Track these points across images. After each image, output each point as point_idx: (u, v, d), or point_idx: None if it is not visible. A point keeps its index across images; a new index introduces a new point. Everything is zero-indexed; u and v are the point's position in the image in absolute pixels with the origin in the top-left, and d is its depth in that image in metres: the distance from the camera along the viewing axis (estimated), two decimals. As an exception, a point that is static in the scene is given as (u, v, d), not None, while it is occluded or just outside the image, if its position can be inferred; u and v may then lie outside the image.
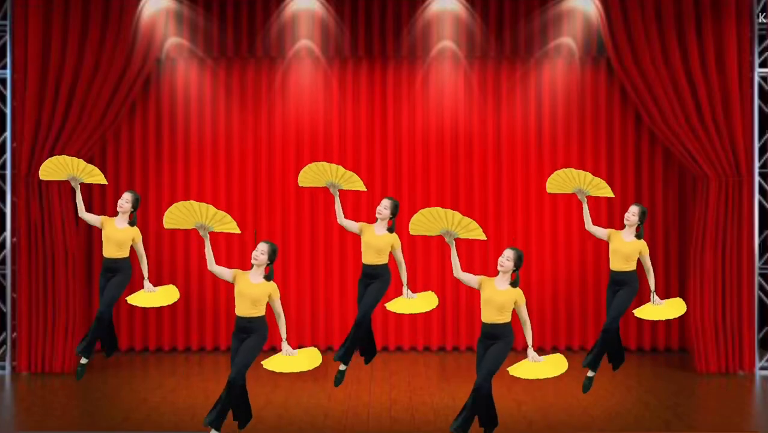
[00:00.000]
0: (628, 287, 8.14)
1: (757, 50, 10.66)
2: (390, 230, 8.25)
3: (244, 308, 7.38)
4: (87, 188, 11.54)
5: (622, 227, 8.23)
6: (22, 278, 10.55)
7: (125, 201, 8.19)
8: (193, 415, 8.81)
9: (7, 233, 10.68)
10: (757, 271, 10.69)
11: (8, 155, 10.67)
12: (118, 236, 8.15)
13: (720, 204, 10.53)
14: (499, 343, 7.34)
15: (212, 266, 7.49)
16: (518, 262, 7.24)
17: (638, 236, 8.07)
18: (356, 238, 11.48)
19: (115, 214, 8.30)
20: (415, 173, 11.65)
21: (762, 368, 10.67)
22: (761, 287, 10.82)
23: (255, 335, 7.44)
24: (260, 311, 7.44)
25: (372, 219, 8.59)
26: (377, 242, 8.22)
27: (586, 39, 11.37)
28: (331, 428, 8.41)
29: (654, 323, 11.60)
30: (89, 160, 11.27)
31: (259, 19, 11.27)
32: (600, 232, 8.18)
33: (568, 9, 11.32)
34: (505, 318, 7.33)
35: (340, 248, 11.62)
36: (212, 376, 10.53)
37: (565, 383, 10.06)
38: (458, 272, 7.41)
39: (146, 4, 10.84)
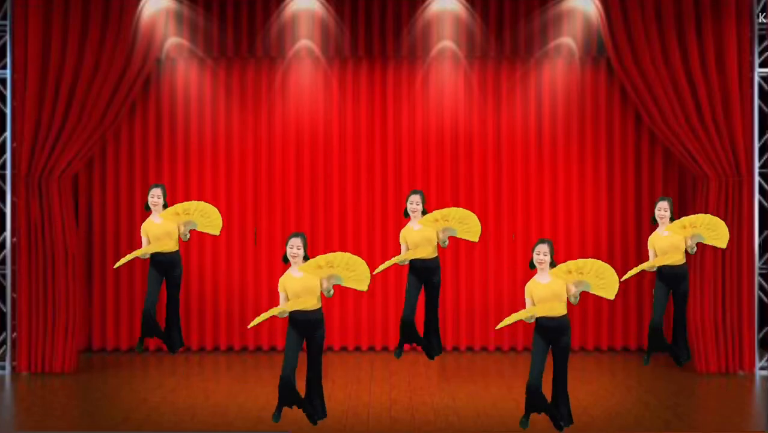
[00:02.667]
0: (686, 281, 8.27)
1: (757, 50, 10.66)
2: (424, 214, 8.32)
3: (307, 303, 7.39)
4: (87, 190, 11.53)
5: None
6: (22, 278, 10.54)
7: (157, 197, 8.26)
8: (193, 415, 8.81)
9: (7, 233, 10.68)
10: (757, 271, 10.69)
11: (8, 155, 10.67)
12: (164, 227, 8.15)
13: (720, 204, 10.53)
14: (566, 338, 7.47)
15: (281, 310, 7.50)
16: (552, 251, 7.56)
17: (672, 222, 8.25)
18: (357, 239, 11.54)
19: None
20: (415, 173, 11.64)
21: (762, 368, 10.67)
22: (761, 287, 10.82)
23: (321, 330, 7.59)
24: (320, 301, 7.50)
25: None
26: (425, 234, 8.25)
27: (586, 39, 11.37)
28: (331, 428, 8.41)
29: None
30: (89, 160, 11.30)
31: (259, 19, 11.27)
32: (651, 252, 8.24)
33: (568, 9, 11.32)
34: (565, 307, 7.45)
35: (340, 247, 11.61)
36: (212, 376, 10.52)
37: (565, 383, 10.08)
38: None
39: (146, 4, 10.83)
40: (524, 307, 7.51)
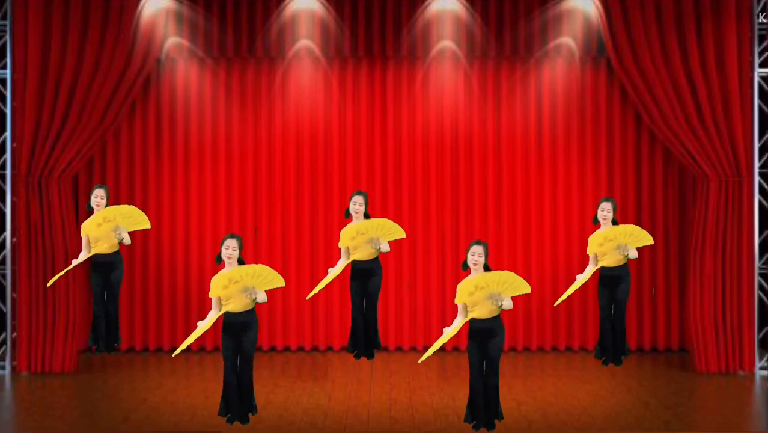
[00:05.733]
0: (625, 283, 8.29)
1: (757, 50, 10.66)
2: (366, 216, 8.37)
3: (236, 305, 7.41)
4: (87, 190, 11.53)
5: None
6: (22, 278, 10.54)
7: (100, 198, 8.34)
8: (193, 415, 8.82)
9: (7, 233, 10.68)
10: (757, 271, 10.69)
11: (8, 155, 10.67)
12: (103, 229, 8.23)
13: (720, 204, 10.53)
14: (498, 337, 7.44)
15: (211, 321, 7.51)
16: (487, 253, 7.49)
17: (614, 224, 8.34)
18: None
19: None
20: (415, 173, 11.64)
21: (762, 368, 10.67)
22: (761, 287, 10.82)
23: (252, 332, 7.48)
24: (251, 304, 7.50)
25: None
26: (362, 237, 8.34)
27: (586, 39, 11.37)
28: (331, 428, 8.42)
29: (654, 323, 11.60)
30: (89, 161, 11.31)
31: (259, 19, 11.27)
32: (591, 255, 8.35)
33: (568, 9, 11.32)
34: (497, 310, 7.41)
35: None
36: (212, 376, 10.52)
37: (565, 382, 10.10)
38: (457, 326, 7.52)
39: (146, 4, 10.83)
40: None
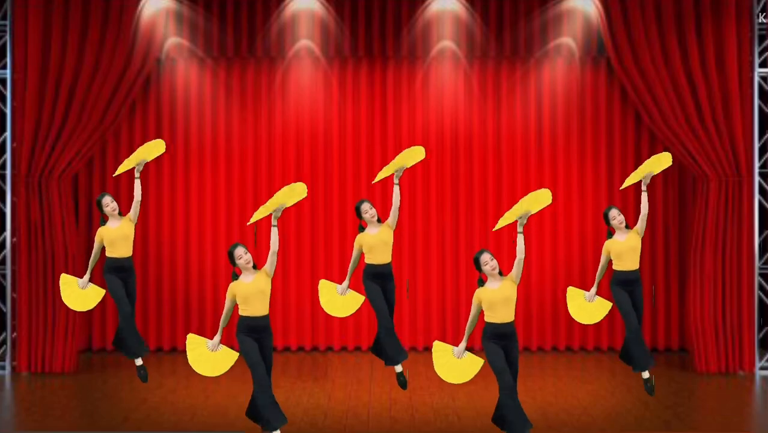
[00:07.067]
0: (640, 285, 8.34)
1: (757, 50, 10.66)
2: (378, 221, 8.43)
3: (257, 308, 7.42)
4: (87, 190, 11.52)
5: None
6: (22, 278, 10.55)
7: (111, 201, 8.33)
8: (193, 415, 8.81)
9: (7, 233, 10.68)
10: (757, 271, 10.69)
11: (8, 155, 10.67)
12: (123, 231, 8.24)
13: (720, 204, 10.53)
14: (515, 342, 7.60)
15: (226, 320, 7.66)
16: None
17: (627, 228, 8.30)
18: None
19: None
20: (416, 173, 11.64)
21: (762, 368, 10.67)
22: (761, 287, 10.82)
23: (270, 334, 7.56)
24: (268, 307, 7.55)
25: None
26: (382, 237, 8.34)
27: (586, 39, 11.37)
28: (331, 428, 8.42)
29: (654, 323, 11.60)
30: (89, 161, 11.31)
31: (259, 19, 11.27)
32: (605, 260, 8.34)
33: (568, 9, 11.32)
34: (513, 314, 7.52)
35: (339, 248, 11.61)
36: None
37: (565, 382, 10.10)
38: (473, 323, 7.68)
39: (146, 4, 10.84)
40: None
